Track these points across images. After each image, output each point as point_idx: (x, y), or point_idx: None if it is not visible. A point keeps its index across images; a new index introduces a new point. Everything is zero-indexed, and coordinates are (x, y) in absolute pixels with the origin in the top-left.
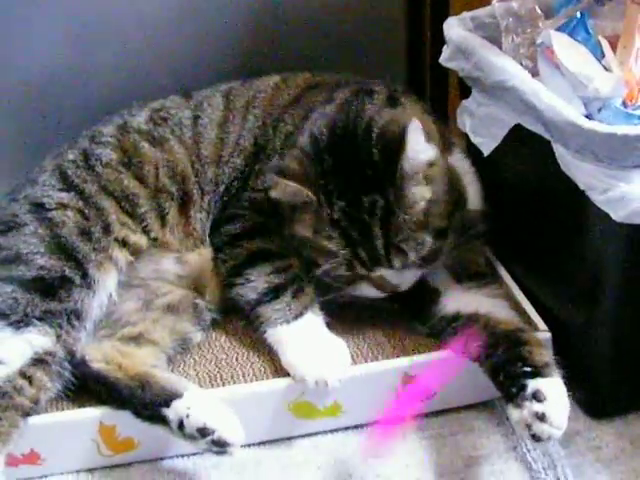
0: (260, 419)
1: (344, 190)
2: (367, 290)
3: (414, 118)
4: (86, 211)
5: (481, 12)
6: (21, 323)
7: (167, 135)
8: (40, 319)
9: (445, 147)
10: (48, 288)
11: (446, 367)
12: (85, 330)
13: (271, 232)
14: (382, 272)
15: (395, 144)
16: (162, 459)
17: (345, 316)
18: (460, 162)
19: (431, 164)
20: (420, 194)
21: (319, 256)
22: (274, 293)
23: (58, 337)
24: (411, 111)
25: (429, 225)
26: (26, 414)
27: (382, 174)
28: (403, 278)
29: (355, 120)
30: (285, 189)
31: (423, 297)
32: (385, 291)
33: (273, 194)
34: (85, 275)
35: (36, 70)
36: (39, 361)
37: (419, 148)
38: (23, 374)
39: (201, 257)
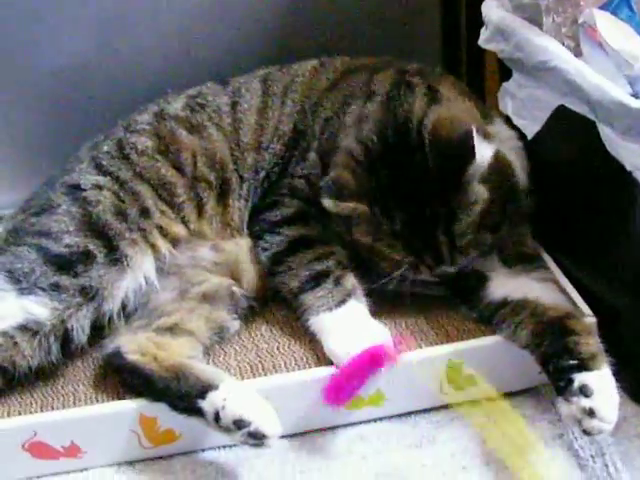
0: (302, 409)
1: (403, 201)
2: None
3: (468, 125)
4: (121, 194)
5: None
6: (25, 290)
7: (205, 122)
8: (44, 290)
9: (486, 121)
10: (66, 263)
11: None
12: (107, 310)
13: (312, 219)
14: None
15: (454, 151)
16: (203, 450)
17: (387, 303)
18: (505, 132)
19: (489, 164)
20: (480, 195)
21: (383, 262)
22: (316, 280)
23: (56, 310)
24: (455, 104)
25: (488, 223)
26: (2, 371)
27: (442, 182)
28: (457, 267)
29: (404, 124)
30: (342, 209)
31: (471, 282)
32: (436, 276)
33: (328, 208)
34: (114, 252)
35: (66, 58)
36: (26, 328)
37: (480, 153)
38: (6, 334)
39: (237, 247)
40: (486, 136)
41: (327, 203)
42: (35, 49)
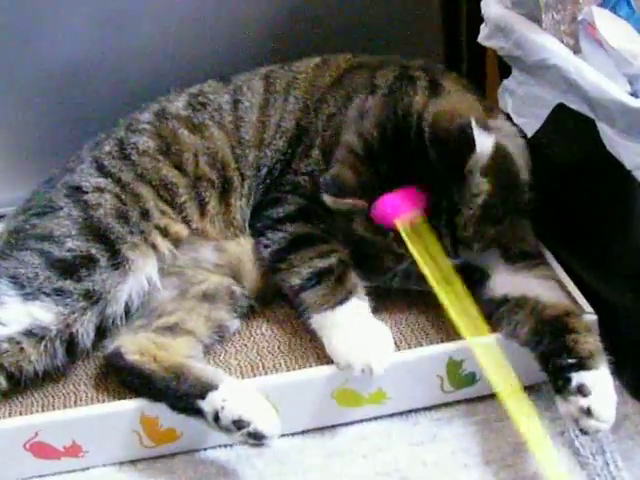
0: (303, 407)
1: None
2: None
3: (468, 117)
4: (123, 196)
5: None
6: (30, 295)
7: (206, 121)
8: (48, 295)
9: (488, 116)
10: (69, 267)
11: None
12: (111, 313)
13: (314, 216)
14: None
15: (455, 142)
16: (204, 449)
17: (388, 300)
18: (506, 128)
19: (490, 156)
20: (482, 187)
21: (386, 256)
22: (318, 278)
23: (61, 315)
24: (456, 96)
25: (490, 215)
26: (8, 375)
27: (444, 174)
28: (459, 258)
29: (404, 118)
30: (342, 205)
31: (471, 280)
32: None
33: (329, 204)
34: (115, 256)
35: (67, 55)
36: (32, 333)
37: (481, 144)
38: (12, 339)
39: (240, 247)
40: (487, 128)
41: (327, 200)
42: (35, 48)
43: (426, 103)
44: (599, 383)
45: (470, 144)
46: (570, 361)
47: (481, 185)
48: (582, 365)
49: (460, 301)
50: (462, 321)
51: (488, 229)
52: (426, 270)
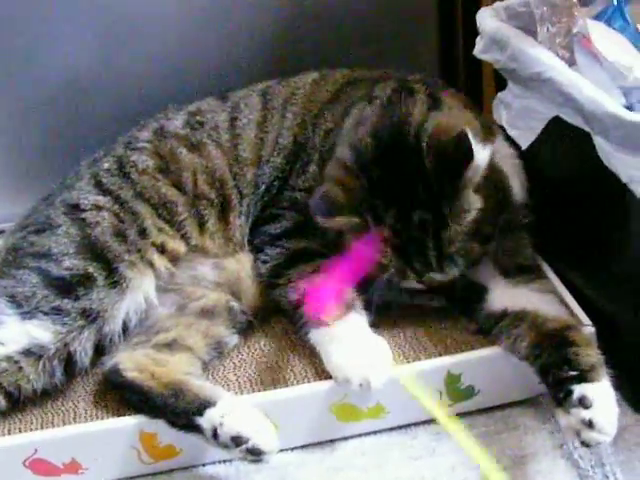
0: (302, 422)
1: (393, 206)
2: (409, 284)
3: (463, 127)
4: (121, 214)
5: (514, 1)
6: (27, 314)
7: (204, 140)
8: (46, 314)
9: (487, 136)
10: (67, 286)
11: None
12: (109, 331)
13: (312, 231)
14: (430, 275)
15: (453, 154)
16: (204, 465)
17: (386, 315)
18: (504, 149)
19: (484, 172)
20: (473, 204)
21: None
22: None
23: (59, 334)
24: (456, 112)
25: (478, 233)
26: (7, 394)
27: (437, 187)
28: (447, 276)
29: (401, 129)
30: (333, 224)
31: (470, 294)
32: (428, 286)
33: (320, 224)
34: (113, 275)
35: (67, 71)
36: (30, 352)
37: (477, 158)
38: (10, 359)
39: (239, 264)
40: (484, 142)
41: (319, 219)
42: (35, 62)
43: (426, 115)
44: (601, 395)
45: (469, 153)
46: (572, 373)
47: (473, 202)
48: (584, 377)
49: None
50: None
51: (474, 246)
52: None
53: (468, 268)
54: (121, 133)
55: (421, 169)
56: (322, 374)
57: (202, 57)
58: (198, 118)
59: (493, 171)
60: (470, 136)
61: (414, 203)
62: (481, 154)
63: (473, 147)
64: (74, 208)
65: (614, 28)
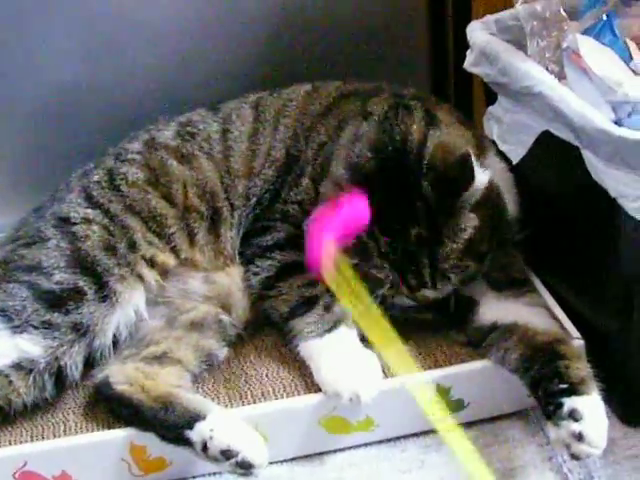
0: (292, 435)
1: (390, 223)
2: (401, 300)
3: (466, 149)
4: (111, 228)
5: (505, 15)
6: (18, 328)
7: (195, 151)
8: (36, 328)
9: (480, 151)
10: (57, 300)
11: None
12: (99, 344)
13: (303, 244)
14: (423, 291)
15: (454, 174)
16: (194, 477)
17: None
18: (496, 165)
19: (483, 192)
20: (470, 223)
21: (365, 280)
22: (306, 306)
23: (50, 348)
24: (454, 130)
25: (473, 251)
26: None
27: (435, 205)
28: (439, 293)
29: (401, 144)
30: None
31: (460, 307)
32: (420, 303)
33: None
34: (103, 289)
35: (57, 82)
36: (20, 366)
37: (478, 182)
38: (0, 373)
39: (229, 277)
40: (482, 164)
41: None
42: (24, 73)
43: (425, 133)
44: (591, 408)
45: (469, 176)
46: (562, 386)
47: (470, 220)
48: (574, 390)
49: (388, 340)
50: (392, 359)
51: (469, 264)
52: (354, 312)
53: (462, 285)
54: (110, 146)
55: (420, 187)
56: (312, 387)
57: (193, 68)
58: (189, 129)
59: (490, 190)
60: (473, 158)
61: (411, 219)
62: (481, 176)
63: (476, 174)
64: (64, 221)
65: (603, 43)
